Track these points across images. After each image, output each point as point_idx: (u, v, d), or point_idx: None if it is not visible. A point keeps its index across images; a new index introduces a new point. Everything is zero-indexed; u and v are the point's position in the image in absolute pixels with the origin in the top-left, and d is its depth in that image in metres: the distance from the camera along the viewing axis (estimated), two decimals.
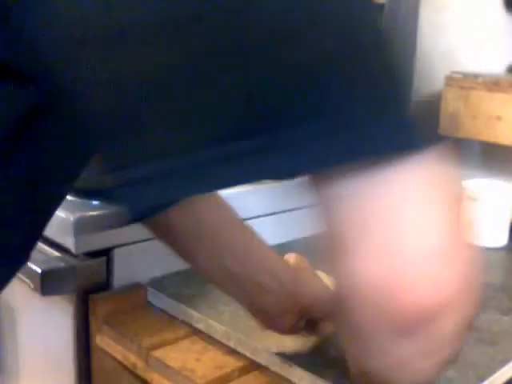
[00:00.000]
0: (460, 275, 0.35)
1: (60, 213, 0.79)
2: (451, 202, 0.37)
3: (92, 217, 0.79)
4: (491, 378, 0.63)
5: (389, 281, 0.32)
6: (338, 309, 0.36)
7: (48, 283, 0.78)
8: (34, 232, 0.47)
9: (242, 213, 0.92)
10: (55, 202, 0.46)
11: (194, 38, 0.26)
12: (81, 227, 0.78)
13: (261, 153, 0.28)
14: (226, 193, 0.95)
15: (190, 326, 0.75)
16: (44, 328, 0.90)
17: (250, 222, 0.96)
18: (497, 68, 1.25)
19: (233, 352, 0.69)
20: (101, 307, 0.78)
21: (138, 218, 0.51)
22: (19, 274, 0.80)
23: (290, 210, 1.01)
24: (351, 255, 0.33)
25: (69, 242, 0.79)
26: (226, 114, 0.28)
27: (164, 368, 0.67)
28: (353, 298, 0.34)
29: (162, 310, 0.79)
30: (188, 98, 0.28)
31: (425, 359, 0.38)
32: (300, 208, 1.03)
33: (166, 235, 0.60)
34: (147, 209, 0.34)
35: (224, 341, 0.70)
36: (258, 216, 0.95)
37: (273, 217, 0.97)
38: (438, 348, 0.38)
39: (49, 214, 0.46)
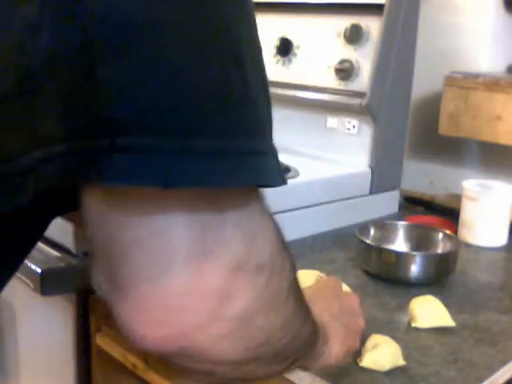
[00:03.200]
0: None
1: None
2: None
3: None
4: (491, 378, 0.63)
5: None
6: None
7: (48, 283, 0.78)
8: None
9: None
10: None
11: None
12: (81, 227, 0.78)
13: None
14: None
15: None
16: (44, 328, 0.90)
17: None
18: (497, 68, 1.25)
19: None
20: (101, 307, 0.78)
21: None
22: (19, 274, 0.80)
23: (287, 211, 1.01)
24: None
25: (69, 242, 0.79)
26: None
27: (164, 368, 0.67)
28: None
29: None
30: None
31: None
32: (298, 209, 1.03)
33: None
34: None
35: None
36: None
37: None
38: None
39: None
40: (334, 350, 0.56)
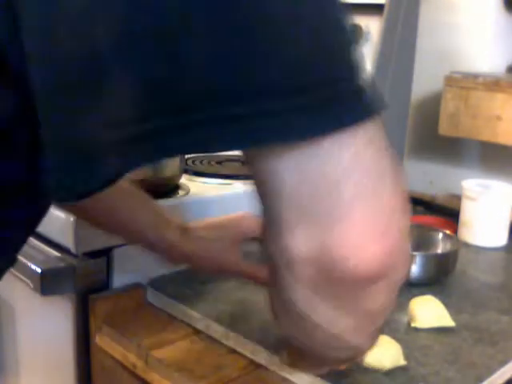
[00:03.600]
0: (392, 247, 0.37)
1: (60, 213, 0.79)
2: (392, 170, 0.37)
3: None
4: (491, 378, 0.63)
5: (324, 254, 0.34)
6: (273, 282, 0.38)
7: (48, 283, 0.78)
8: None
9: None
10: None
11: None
12: (81, 227, 0.78)
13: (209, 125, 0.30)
14: (234, 193, 0.96)
15: (189, 326, 0.75)
16: (44, 328, 0.91)
17: None
18: (497, 68, 1.25)
19: (233, 352, 0.69)
20: (101, 307, 0.78)
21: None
22: (19, 274, 0.80)
23: None
24: (288, 231, 0.35)
25: (69, 242, 0.79)
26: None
27: (164, 368, 0.67)
28: (289, 273, 0.36)
29: (162, 310, 0.79)
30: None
31: (356, 334, 0.40)
32: None
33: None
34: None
35: (224, 341, 0.70)
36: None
37: None
38: (368, 324, 0.41)
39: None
40: None
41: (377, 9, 1.09)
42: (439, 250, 0.92)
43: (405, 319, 0.74)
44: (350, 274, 0.35)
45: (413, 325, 0.72)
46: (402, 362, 0.64)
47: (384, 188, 0.35)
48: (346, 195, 0.34)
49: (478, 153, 1.28)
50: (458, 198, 1.10)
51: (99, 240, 0.80)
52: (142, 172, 0.89)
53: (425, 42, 1.23)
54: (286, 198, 0.34)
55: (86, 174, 0.32)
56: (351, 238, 0.34)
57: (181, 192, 0.93)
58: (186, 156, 1.05)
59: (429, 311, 0.73)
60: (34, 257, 0.81)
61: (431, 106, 1.26)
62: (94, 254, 0.80)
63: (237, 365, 0.67)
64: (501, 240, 1.04)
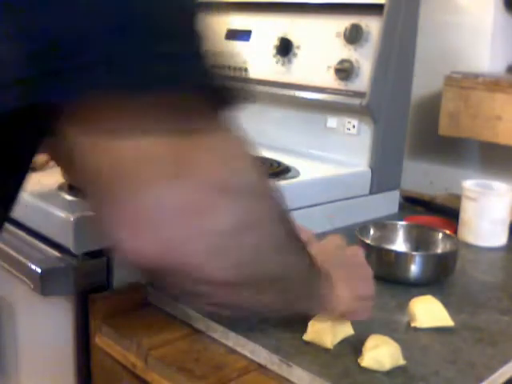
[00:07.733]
0: None
1: (60, 213, 0.79)
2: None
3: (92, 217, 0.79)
4: (491, 378, 0.63)
5: None
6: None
7: (48, 283, 0.78)
8: None
9: None
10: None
11: None
12: (81, 227, 0.78)
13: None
14: None
15: (189, 325, 0.75)
16: (44, 328, 0.90)
17: None
18: (497, 68, 1.25)
19: (232, 352, 0.69)
20: (101, 307, 0.78)
21: None
22: (19, 274, 0.80)
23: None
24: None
25: (69, 242, 0.79)
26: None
27: (163, 368, 0.67)
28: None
29: (162, 310, 0.79)
30: None
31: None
32: (298, 209, 1.03)
33: None
34: None
35: (223, 341, 0.70)
36: None
37: None
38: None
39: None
40: (343, 295, 0.58)
41: (377, 9, 1.09)
42: (439, 250, 0.92)
43: (404, 319, 0.74)
44: (137, 262, 0.38)
45: (412, 325, 0.72)
46: (402, 361, 0.64)
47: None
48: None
49: (477, 153, 1.28)
50: (458, 197, 1.10)
51: (99, 240, 0.80)
52: None
53: (425, 42, 1.23)
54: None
55: None
56: (130, 232, 0.36)
57: None
58: None
59: (429, 311, 0.73)
60: (33, 257, 0.81)
61: (431, 106, 1.26)
62: (93, 254, 0.80)
63: (237, 365, 0.67)
64: (501, 240, 1.04)
